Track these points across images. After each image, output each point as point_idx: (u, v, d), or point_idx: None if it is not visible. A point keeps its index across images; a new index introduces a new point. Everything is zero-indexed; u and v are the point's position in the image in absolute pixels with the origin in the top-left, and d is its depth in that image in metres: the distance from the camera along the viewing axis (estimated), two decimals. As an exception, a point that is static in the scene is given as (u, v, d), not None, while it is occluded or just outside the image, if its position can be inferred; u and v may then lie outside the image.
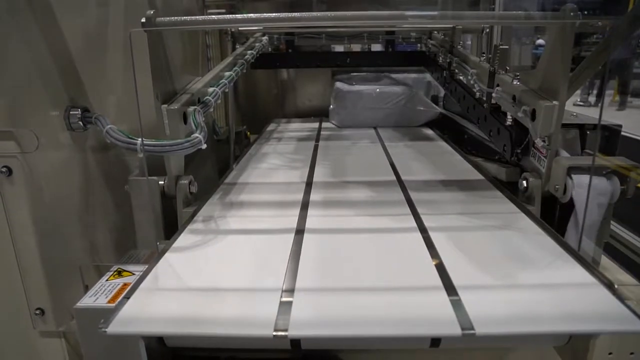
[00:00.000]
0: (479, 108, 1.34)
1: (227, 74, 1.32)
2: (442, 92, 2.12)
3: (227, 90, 1.26)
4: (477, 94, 1.31)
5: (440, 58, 1.73)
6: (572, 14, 0.89)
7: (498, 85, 1.18)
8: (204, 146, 0.92)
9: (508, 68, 1.18)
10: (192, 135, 0.92)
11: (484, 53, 1.47)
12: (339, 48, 2.20)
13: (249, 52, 1.61)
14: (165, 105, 0.99)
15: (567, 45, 0.93)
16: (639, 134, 4.39)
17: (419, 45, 2.14)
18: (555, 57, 0.97)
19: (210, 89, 1.17)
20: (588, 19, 0.95)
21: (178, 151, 0.91)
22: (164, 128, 0.99)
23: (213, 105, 1.15)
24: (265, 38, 1.89)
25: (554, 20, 0.94)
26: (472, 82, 1.32)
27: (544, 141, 0.99)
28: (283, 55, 2.12)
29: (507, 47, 1.19)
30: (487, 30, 1.61)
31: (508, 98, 1.12)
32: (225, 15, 1.04)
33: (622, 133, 1.10)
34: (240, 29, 1.75)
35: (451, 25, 1.62)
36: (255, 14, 0.97)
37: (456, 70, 1.55)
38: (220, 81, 1.25)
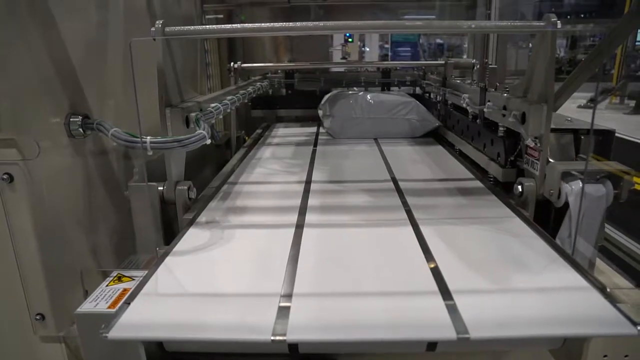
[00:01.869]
0: (473, 125, 1.44)
1: (229, 97, 1.38)
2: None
3: (229, 110, 1.32)
4: (471, 116, 1.41)
5: (433, 94, 1.97)
6: (552, 20, 0.96)
7: (489, 101, 1.26)
8: (209, 141, 0.94)
9: (498, 84, 1.30)
10: (196, 131, 0.93)
11: (474, 80, 1.67)
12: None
13: (251, 87, 1.84)
14: (169, 108, 1.00)
15: (550, 50, 0.99)
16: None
17: (414, 89, 2.33)
18: (540, 62, 1.02)
19: (213, 104, 1.20)
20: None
21: (183, 147, 0.92)
22: (164, 133, 1.00)
23: (215, 116, 1.17)
24: (266, 82, 2.16)
25: (536, 28, 1.00)
26: (464, 105, 1.41)
27: (535, 143, 1.00)
28: (283, 97, 2.35)
29: (495, 66, 1.39)
30: (478, 66, 1.83)
31: (499, 109, 1.18)
32: (235, 25, 1.08)
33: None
34: (243, 65, 2.01)
35: (443, 62, 1.89)
36: (257, 24, 0.99)
37: (449, 102, 1.75)
38: (223, 101, 1.30)
